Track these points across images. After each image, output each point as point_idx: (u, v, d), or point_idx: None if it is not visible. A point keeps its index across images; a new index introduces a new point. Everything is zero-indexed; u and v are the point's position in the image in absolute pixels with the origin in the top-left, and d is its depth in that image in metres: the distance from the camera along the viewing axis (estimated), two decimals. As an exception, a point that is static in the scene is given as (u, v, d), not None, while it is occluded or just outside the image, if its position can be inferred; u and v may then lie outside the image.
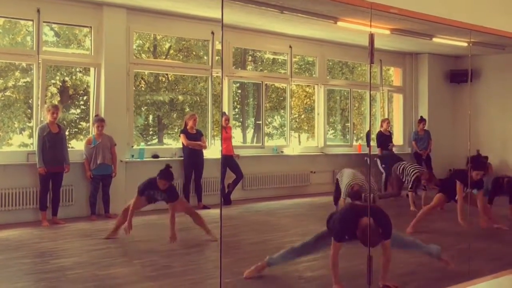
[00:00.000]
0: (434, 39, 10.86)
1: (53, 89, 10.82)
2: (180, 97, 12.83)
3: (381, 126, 12.64)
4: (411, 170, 9.85)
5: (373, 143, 12.34)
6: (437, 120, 13.79)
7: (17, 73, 10.44)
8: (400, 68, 14.11)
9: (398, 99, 14.20)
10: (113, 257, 6.17)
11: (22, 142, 10.24)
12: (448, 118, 13.95)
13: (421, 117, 13.51)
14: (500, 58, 12.86)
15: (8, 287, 5.06)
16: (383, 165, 11.54)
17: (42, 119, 8.51)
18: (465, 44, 10.79)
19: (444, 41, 10.90)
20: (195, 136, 9.73)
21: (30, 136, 9.31)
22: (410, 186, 9.80)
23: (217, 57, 10.60)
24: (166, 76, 12.54)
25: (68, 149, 8.60)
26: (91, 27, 9.22)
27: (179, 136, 9.91)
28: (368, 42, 4.83)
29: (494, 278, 5.11)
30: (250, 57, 13.95)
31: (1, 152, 8.83)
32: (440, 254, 5.56)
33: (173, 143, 12.13)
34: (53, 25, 10.14)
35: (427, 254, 5.60)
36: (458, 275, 5.25)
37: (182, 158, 9.81)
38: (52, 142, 8.14)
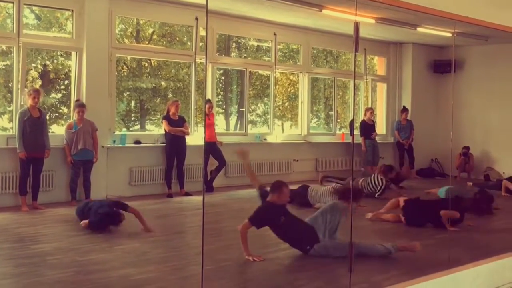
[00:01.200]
0: (419, 29, 10.90)
1: (34, 73, 10.66)
2: (163, 83, 12.74)
3: (365, 115, 12.68)
4: (377, 181, 9.79)
5: (356, 132, 12.40)
6: (420, 109, 13.87)
7: (-3, 56, 10.27)
8: (384, 58, 14.15)
9: (381, 88, 14.25)
10: (94, 243, 6.11)
11: (1, 126, 10.09)
12: (431, 108, 14.03)
13: (404, 106, 13.59)
14: (483, 49, 12.95)
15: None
16: None
17: (22, 103, 8.38)
18: (449, 35, 10.84)
19: (429, 31, 10.93)
20: (177, 122, 9.66)
21: (10, 120, 9.18)
22: (379, 193, 9.68)
23: (200, 43, 10.52)
24: (149, 61, 12.43)
25: (49, 134, 8.49)
26: (72, 10, 9.08)
27: (162, 122, 9.84)
28: (353, 31, 4.81)
29: (474, 266, 5.16)
30: (234, 44, 13.88)
31: (-21, 136, 8.70)
32: (397, 249, 5.73)
33: (155, 129, 12.05)
34: (34, 8, 9.95)
35: (387, 254, 5.71)
36: (438, 264, 5.29)
37: (164, 144, 9.75)
38: (33, 127, 8.03)
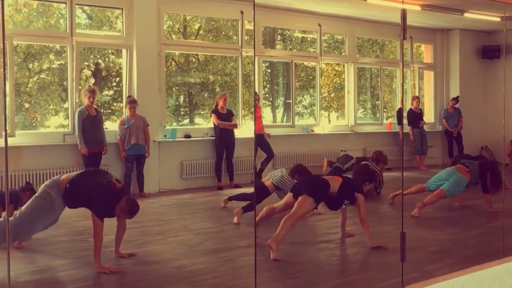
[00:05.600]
0: (466, 15, 10.72)
1: (87, 72, 10.98)
2: (210, 77, 12.91)
3: (412, 104, 12.57)
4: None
5: (404, 121, 12.28)
6: (469, 97, 13.62)
7: (51, 56, 10.61)
8: (431, 45, 13.94)
9: (429, 76, 14.05)
10: (149, 235, 6.30)
11: (60, 124, 10.46)
12: (480, 95, 13.78)
13: (457, 97, 13.28)
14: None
15: (50, 264, 5.24)
16: None
17: (77, 101, 8.68)
18: (498, 19, 10.60)
19: (476, 16, 10.74)
20: (226, 116, 9.79)
21: (66, 117, 9.51)
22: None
23: (246, 37, 10.61)
24: (196, 56, 12.60)
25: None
26: (122, 8, 9.31)
27: (210, 116, 10.00)
28: (399, 18, 4.79)
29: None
30: (279, 36, 13.92)
31: (38, 133, 9.05)
32: None
33: (204, 123, 12.23)
34: (85, 8, 10.26)
35: None
36: (492, 252, 5.26)
37: (214, 138, 9.91)
38: (91, 125, 8.37)
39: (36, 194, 5.27)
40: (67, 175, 5.33)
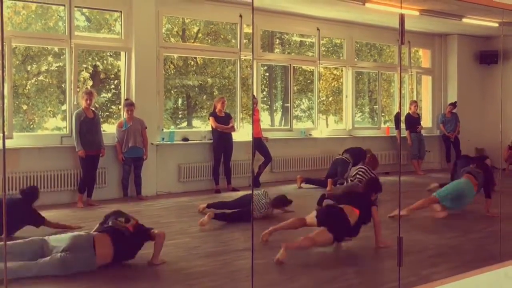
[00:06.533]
0: (464, 20, 10.73)
1: (85, 74, 10.98)
2: (209, 80, 12.92)
3: (410, 108, 12.60)
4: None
5: (402, 125, 12.29)
6: (467, 102, 13.65)
7: (50, 58, 10.61)
8: (429, 50, 13.97)
9: (426, 81, 14.08)
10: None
11: (55, 126, 10.45)
12: (477, 100, 13.80)
13: (455, 102, 13.31)
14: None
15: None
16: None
17: (75, 103, 8.66)
18: (496, 25, 10.63)
19: (475, 22, 10.76)
20: (224, 119, 9.80)
21: (63, 119, 9.50)
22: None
23: (245, 40, 10.63)
24: (194, 59, 12.62)
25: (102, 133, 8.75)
26: (121, 11, 9.31)
27: (208, 119, 10.00)
28: (398, 23, 4.81)
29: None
30: (277, 40, 13.95)
31: (36, 136, 9.02)
32: None
33: (202, 126, 12.23)
34: (84, 10, 10.26)
35: None
36: (489, 257, 5.27)
37: (212, 141, 9.90)
38: (89, 127, 8.34)
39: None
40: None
